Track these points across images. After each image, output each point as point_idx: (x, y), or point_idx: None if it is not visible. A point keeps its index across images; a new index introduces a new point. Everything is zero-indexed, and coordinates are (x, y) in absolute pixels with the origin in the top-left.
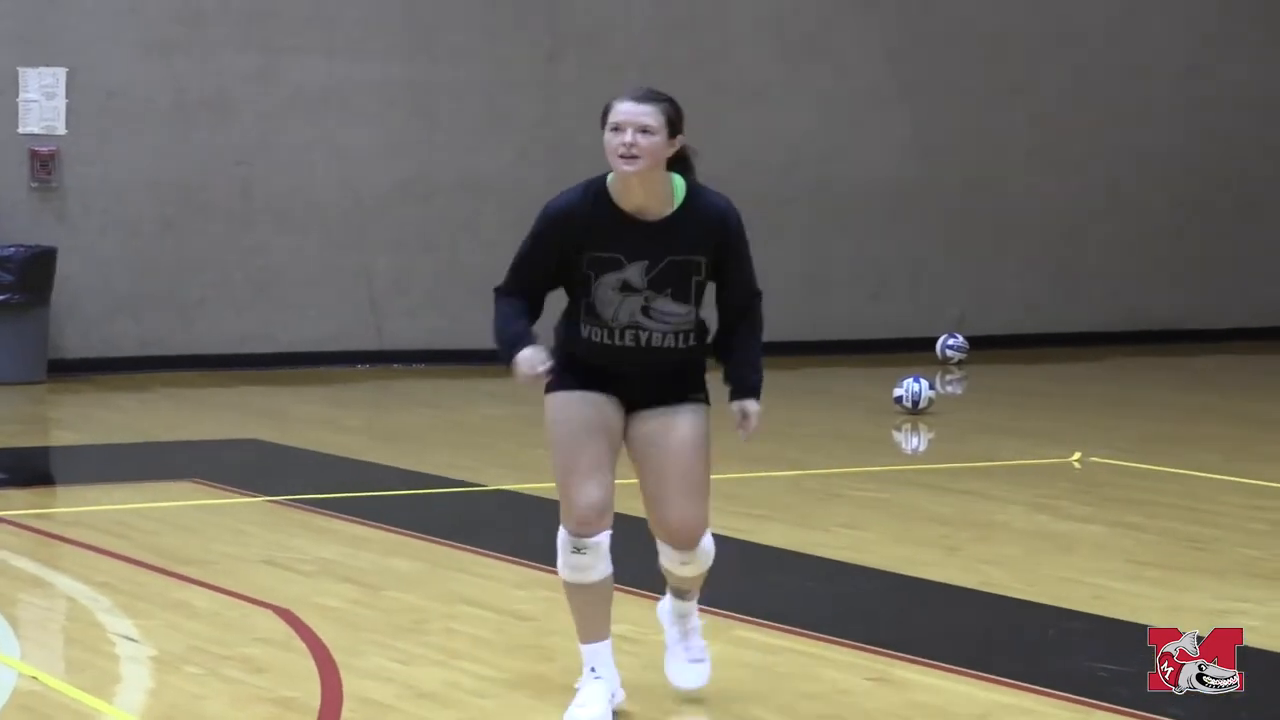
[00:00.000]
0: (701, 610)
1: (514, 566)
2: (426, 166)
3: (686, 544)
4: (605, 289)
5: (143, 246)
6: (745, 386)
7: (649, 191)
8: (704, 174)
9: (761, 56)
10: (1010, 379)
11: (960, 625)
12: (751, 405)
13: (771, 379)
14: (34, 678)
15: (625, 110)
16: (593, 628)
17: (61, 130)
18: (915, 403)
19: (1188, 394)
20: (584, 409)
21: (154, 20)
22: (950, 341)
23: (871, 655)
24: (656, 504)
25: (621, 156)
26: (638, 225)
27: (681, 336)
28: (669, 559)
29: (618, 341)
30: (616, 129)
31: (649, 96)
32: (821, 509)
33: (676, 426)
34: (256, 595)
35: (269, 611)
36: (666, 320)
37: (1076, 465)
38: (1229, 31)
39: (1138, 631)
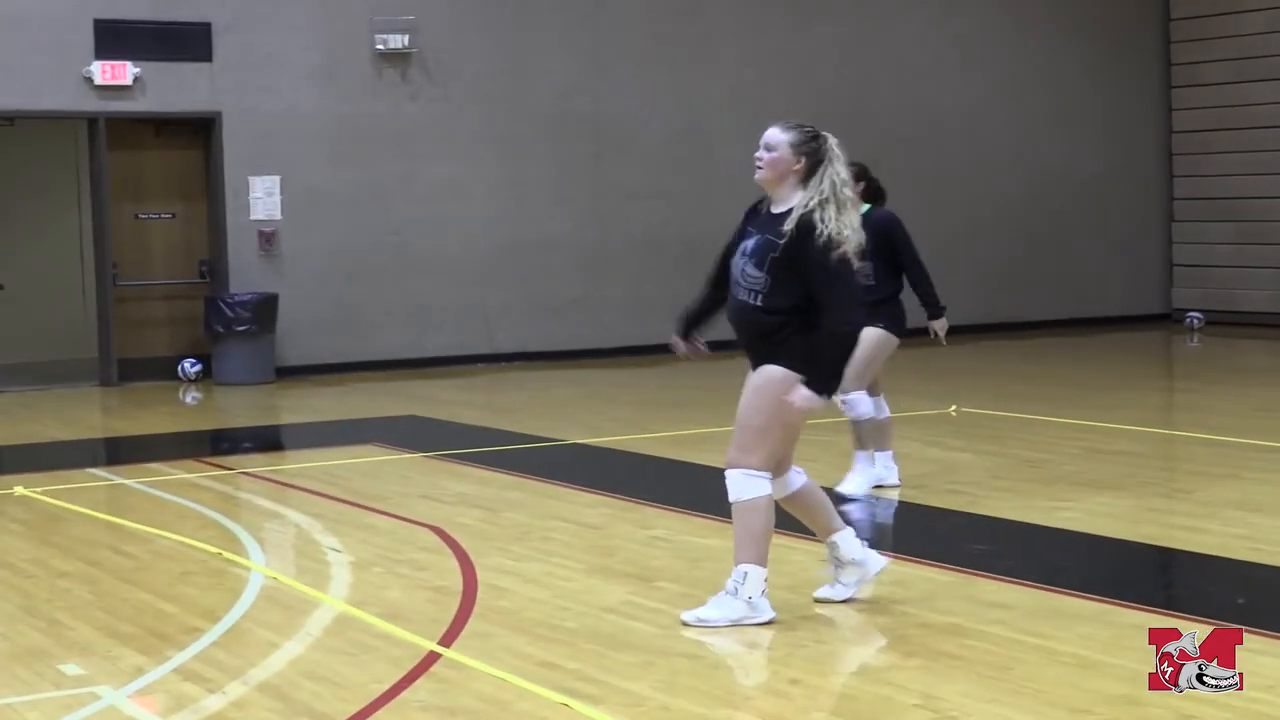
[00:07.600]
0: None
1: (585, 494)
2: (517, 232)
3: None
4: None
5: (335, 292)
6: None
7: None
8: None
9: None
10: (906, 360)
11: (879, 521)
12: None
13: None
14: (274, 578)
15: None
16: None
17: (278, 217)
18: None
19: (1026, 365)
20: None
21: (335, 139)
22: None
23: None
24: None
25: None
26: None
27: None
28: None
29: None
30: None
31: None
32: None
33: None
34: (418, 518)
35: (426, 530)
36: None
37: (953, 414)
38: (1051, 118)
39: (995, 523)
